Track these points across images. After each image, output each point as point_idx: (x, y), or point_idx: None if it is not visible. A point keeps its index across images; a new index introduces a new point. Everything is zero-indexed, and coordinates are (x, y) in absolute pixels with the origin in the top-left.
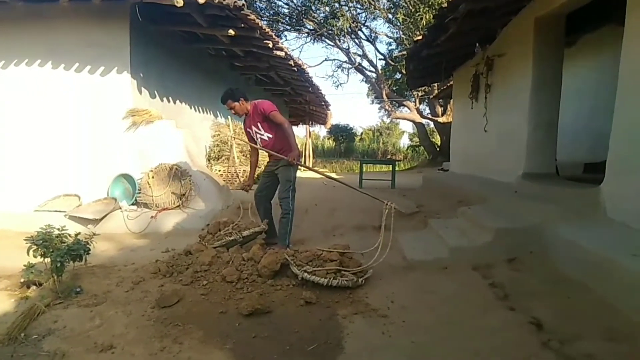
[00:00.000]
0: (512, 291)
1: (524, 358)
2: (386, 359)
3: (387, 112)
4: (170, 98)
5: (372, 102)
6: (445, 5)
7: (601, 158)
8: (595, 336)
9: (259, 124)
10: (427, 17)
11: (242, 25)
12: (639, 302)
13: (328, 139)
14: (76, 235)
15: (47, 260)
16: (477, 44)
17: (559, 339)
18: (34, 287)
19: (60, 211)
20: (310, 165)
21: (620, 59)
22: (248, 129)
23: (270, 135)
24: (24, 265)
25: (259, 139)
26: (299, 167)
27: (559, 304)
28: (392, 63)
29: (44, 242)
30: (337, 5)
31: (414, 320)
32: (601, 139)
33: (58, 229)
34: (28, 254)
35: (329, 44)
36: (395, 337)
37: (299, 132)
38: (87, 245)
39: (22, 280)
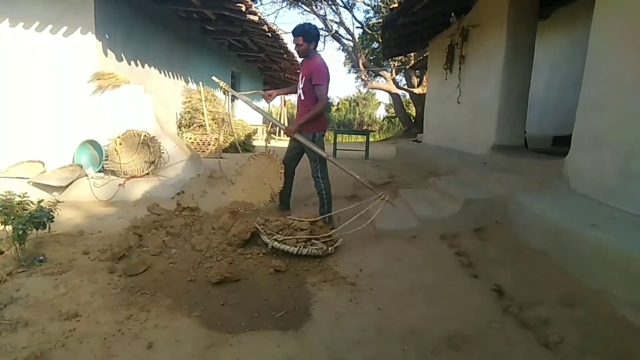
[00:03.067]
0: (477, 259)
1: (485, 323)
2: (352, 325)
3: (363, 82)
4: (138, 61)
5: (349, 72)
6: None
7: (570, 132)
8: (553, 302)
9: (304, 79)
10: None
11: None
12: (594, 269)
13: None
14: (39, 202)
15: (9, 227)
16: (453, 14)
17: (519, 305)
18: None
19: (23, 178)
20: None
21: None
22: (301, 73)
23: (303, 98)
24: None
25: (298, 91)
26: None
27: (520, 272)
28: (370, 31)
29: (4, 209)
30: None
31: (381, 287)
32: (571, 113)
33: (19, 196)
34: None
35: (305, 10)
36: (362, 304)
37: (275, 101)
38: (51, 213)
39: None
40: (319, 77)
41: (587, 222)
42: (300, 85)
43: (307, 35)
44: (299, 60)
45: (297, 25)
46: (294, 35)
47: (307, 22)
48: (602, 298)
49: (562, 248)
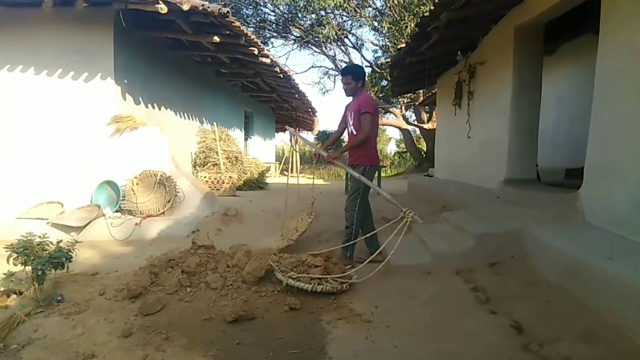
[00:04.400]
0: (494, 295)
1: None
2: None
3: None
4: (155, 104)
5: None
6: (428, 14)
7: (582, 164)
8: (573, 338)
9: (353, 114)
10: (412, 25)
11: (227, 32)
12: (614, 304)
13: (315, 145)
14: (58, 242)
15: (28, 268)
16: (460, 52)
17: (538, 341)
18: (14, 295)
19: (42, 219)
20: (297, 172)
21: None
22: (347, 112)
23: (355, 132)
24: (4, 274)
25: (349, 128)
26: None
27: (538, 307)
28: (378, 70)
29: (25, 250)
30: (323, 12)
31: (397, 324)
32: (582, 145)
33: (39, 237)
34: (8, 263)
35: (315, 51)
36: (378, 342)
37: (286, 138)
38: (69, 253)
39: (1, 289)
40: (365, 106)
41: (604, 255)
42: (351, 122)
43: (356, 74)
44: (347, 99)
45: (346, 66)
46: (342, 75)
47: (355, 63)
48: (621, 333)
49: (579, 282)
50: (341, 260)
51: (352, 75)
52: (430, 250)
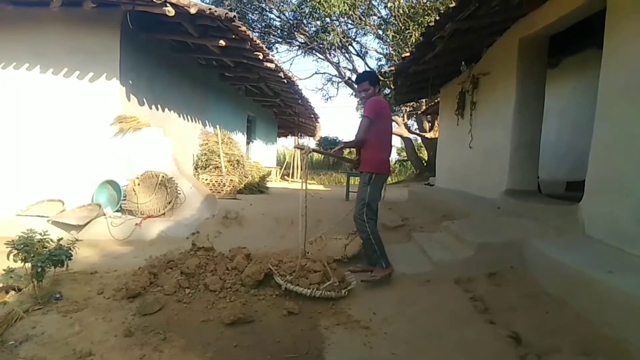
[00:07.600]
0: (492, 305)
1: None
2: None
3: None
4: (158, 106)
5: (362, 117)
6: (433, 24)
7: (583, 177)
8: (571, 350)
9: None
10: (416, 34)
11: (233, 36)
12: (613, 317)
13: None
14: (58, 240)
15: (28, 265)
16: (463, 62)
17: (537, 353)
18: (13, 292)
19: (43, 216)
20: (299, 177)
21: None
22: None
23: None
24: (3, 270)
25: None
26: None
27: (537, 319)
28: (382, 78)
29: (25, 247)
30: (328, 20)
31: (395, 332)
32: (583, 158)
33: (40, 234)
34: (8, 259)
35: (319, 58)
36: (376, 349)
37: (288, 143)
38: (69, 251)
39: (0, 285)
40: (365, 109)
41: (604, 268)
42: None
43: (372, 78)
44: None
45: (359, 74)
46: (359, 83)
47: (365, 70)
48: (620, 346)
49: (579, 295)
50: (379, 271)
51: (369, 80)
52: (430, 259)
